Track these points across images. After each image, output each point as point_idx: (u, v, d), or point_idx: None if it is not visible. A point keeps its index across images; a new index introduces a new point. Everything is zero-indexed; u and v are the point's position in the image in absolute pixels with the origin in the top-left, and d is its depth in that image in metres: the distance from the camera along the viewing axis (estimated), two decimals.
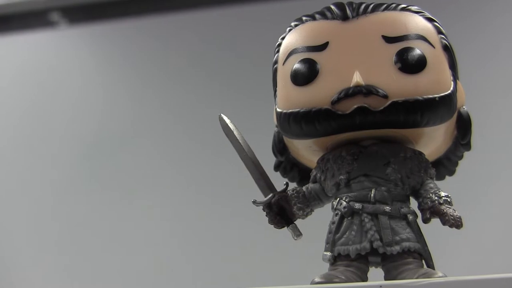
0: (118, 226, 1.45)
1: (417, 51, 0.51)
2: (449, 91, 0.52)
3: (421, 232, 0.50)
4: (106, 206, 1.46)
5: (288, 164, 0.59)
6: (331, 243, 0.51)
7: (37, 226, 1.49)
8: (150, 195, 1.45)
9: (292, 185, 0.57)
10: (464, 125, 0.55)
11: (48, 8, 1.62)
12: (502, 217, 1.23)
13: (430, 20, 0.54)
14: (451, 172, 0.59)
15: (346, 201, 0.51)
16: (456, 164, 0.59)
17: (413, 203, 0.52)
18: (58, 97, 1.56)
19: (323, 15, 0.55)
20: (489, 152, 1.22)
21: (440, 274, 0.46)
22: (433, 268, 0.49)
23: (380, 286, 0.45)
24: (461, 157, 0.59)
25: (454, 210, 0.50)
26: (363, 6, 0.54)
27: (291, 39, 0.56)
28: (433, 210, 0.50)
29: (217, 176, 1.40)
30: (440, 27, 0.55)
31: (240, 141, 0.56)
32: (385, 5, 0.54)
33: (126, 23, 1.58)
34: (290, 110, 0.53)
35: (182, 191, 1.43)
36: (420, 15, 0.54)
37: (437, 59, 0.52)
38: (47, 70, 1.59)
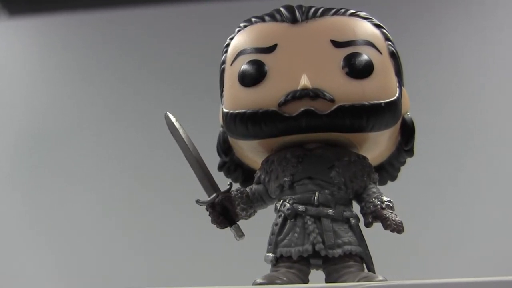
0: (57, 222, 1.42)
1: (365, 57, 0.52)
2: (395, 97, 0.52)
3: (362, 236, 0.51)
4: (46, 202, 1.43)
5: (232, 165, 0.59)
6: (273, 245, 0.51)
7: None
8: (92, 192, 1.43)
9: (236, 186, 0.57)
10: (407, 131, 0.56)
11: None
12: (443, 222, 1.26)
13: (378, 26, 0.55)
14: (393, 178, 0.60)
15: (289, 203, 0.51)
16: (399, 169, 0.60)
17: (356, 207, 0.53)
18: None
19: (272, 17, 0.55)
20: (430, 158, 1.24)
21: (381, 278, 0.47)
22: (374, 272, 0.50)
23: None
24: (403, 163, 0.59)
25: (396, 215, 0.50)
26: (312, 10, 0.54)
27: (239, 40, 0.56)
28: (375, 215, 0.51)
29: (161, 174, 1.39)
30: (388, 34, 0.55)
31: (185, 140, 0.56)
32: (334, 10, 0.55)
33: (70, 16, 1.55)
34: (236, 111, 0.53)
35: (125, 189, 1.41)
36: (369, 21, 0.55)
37: (383, 65, 0.53)
38: None
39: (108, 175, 1.43)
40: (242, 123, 0.52)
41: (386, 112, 0.51)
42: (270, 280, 0.48)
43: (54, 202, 1.43)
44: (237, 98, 0.53)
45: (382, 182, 0.59)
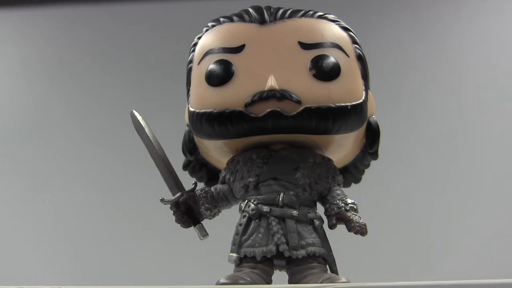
0: (19, 219, 1.40)
1: (332, 59, 0.52)
2: (361, 100, 0.53)
3: (326, 238, 0.51)
4: (6, 200, 1.42)
5: (197, 164, 0.59)
6: (237, 245, 0.51)
7: None
8: (55, 191, 1.41)
9: (201, 185, 0.57)
10: (372, 134, 0.56)
11: None
12: (406, 224, 1.26)
13: (345, 29, 0.56)
14: (357, 180, 0.61)
15: (254, 204, 0.51)
16: (363, 172, 0.60)
17: (320, 209, 0.53)
18: None
19: (240, 17, 0.55)
20: (395, 161, 1.25)
21: (344, 280, 0.47)
22: (337, 273, 0.50)
23: None
24: (368, 166, 0.60)
25: (360, 217, 0.51)
26: (281, 11, 0.54)
27: (207, 40, 0.56)
28: (339, 217, 0.51)
29: (125, 173, 1.38)
30: (355, 37, 0.56)
31: (151, 138, 0.56)
32: (302, 12, 0.55)
33: (34, 10, 1.53)
34: (203, 110, 0.53)
35: (89, 188, 1.40)
36: (336, 24, 0.55)
37: (350, 68, 0.54)
38: None
39: (72, 173, 1.42)
40: (208, 122, 0.52)
41: (352, 115, 0.52)
42: (233, 280, 0.48)
43: (20, 200, 1.42)
44: (203, 98, 0.53)
45: (347, 184, 0.59)
